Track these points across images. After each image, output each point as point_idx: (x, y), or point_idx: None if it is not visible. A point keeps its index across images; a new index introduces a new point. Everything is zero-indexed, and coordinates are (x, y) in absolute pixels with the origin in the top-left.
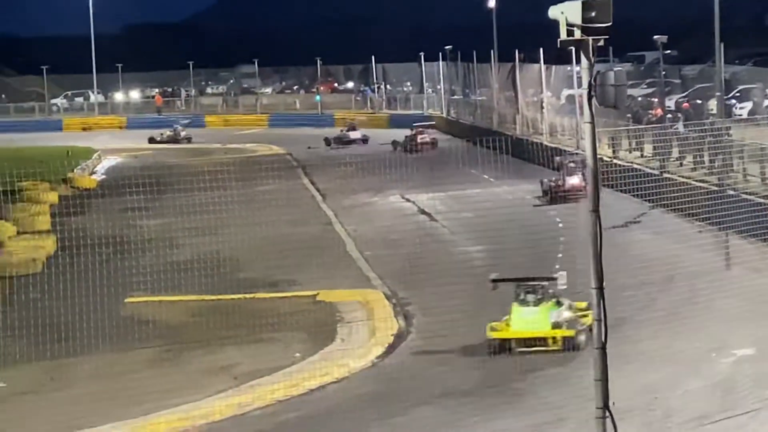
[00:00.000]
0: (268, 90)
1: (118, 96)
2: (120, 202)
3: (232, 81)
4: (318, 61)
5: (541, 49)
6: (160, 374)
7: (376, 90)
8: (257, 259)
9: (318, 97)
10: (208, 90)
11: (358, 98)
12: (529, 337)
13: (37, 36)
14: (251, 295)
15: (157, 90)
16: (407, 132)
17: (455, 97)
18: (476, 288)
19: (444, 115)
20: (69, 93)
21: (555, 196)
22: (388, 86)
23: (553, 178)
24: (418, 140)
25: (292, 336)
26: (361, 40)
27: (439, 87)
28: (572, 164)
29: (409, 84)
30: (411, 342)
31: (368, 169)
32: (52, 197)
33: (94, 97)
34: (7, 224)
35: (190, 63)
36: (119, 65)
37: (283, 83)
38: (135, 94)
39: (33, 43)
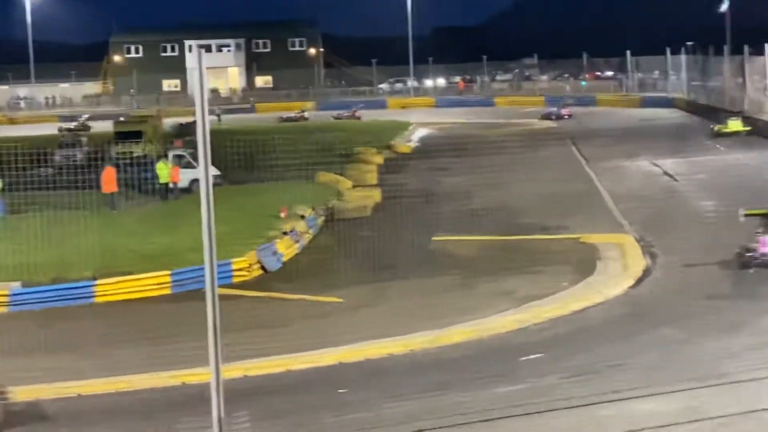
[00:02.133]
0: (545, 77)
1: (429, 82)
2: (429, 164)
3: (516, 70)
4: (584, 54)
5: (766, 45)
6: (457, 296)
7: (629, 76)
8: (533, 208)
9: (583, 83)
10: (498, 77)
11: (615, 83)
12: None
13: (369, 36)
14: (528, 236)
15: (459, 77)
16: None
17: (694, 83)
18: (711, 233)
19: (685, 97)
20: (391, 80)
21: None
22: (639, 74)
23: None
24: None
25: (560, 269)
26: (618, 37)
27: (681, 74)
28: None
29: (656, 72)
30: (656, 275)
31: (621, 138)
32: (379, 159)
33: (411, 82)
34: (345, 179)
35: (484, 56)
36: (430, 58)
37: (557, 72)
38: (441, 81)
39: (365, 42)
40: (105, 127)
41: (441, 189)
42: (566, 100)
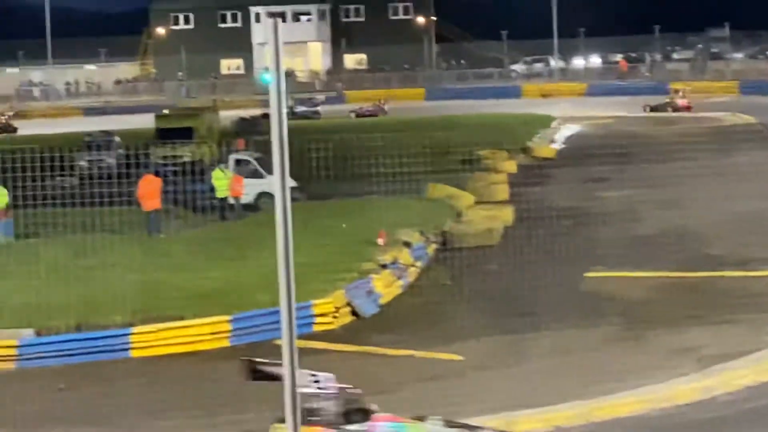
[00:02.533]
0: (740, 55)
1: (578, 62)
2: (580, 173)
3: (700, 46)
4: None
5: None
6: (619, 353)
7: None
8: (726, 234)
9: None
10: (674, 55)
11: None
12: None
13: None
14: (719, 273)
15: (620, 55)
16: None
17: None
18: None
19: None
20: (528, 59)
21: None
22: None
23: None
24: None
25: (764, 318)
26: None
27: None
28: None
29: None
30: None
31: None
32: (510, 166)
33: (554, 62)
34: (466, 193)
35: (656, 27)
36: (581, 30)
37: (758, 48)
38: (595, 60)
39: (493, 8)
40: (143, 122)
41: (597, 207)
42: None
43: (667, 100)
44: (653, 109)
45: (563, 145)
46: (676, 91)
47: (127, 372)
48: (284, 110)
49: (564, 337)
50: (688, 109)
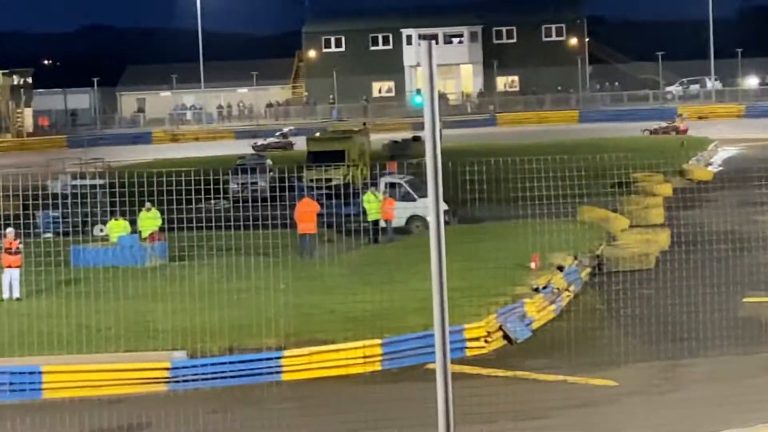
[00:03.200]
0: None
1: (737, 82)
2: (737, 196)
3: None
4: None
5: None
6: None
7: None
8: None
9: None
10: None
11: None
12: None
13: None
14: None
15: None
16: None
17: None
18: None
19: None
20: (684, 80)
21: None
22: None
23: None
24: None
25: None
26: None
27: None
28: None
29: None
30: None
31: None
32: (666, 189)
33: (711, 83)
34: (620, 217)
35: None
36: (738, 50)
37: None
38: (753, 81)
39: (647, 29)
40: (296, 145)
41: (755, 231)
42: None
43: (667, 123)
44: (653, 132)
45: (720, 168)
46: (680, 115)
47: (278, 395)
48: (438, 133)
49: (721, 364)
50: (684, 131)
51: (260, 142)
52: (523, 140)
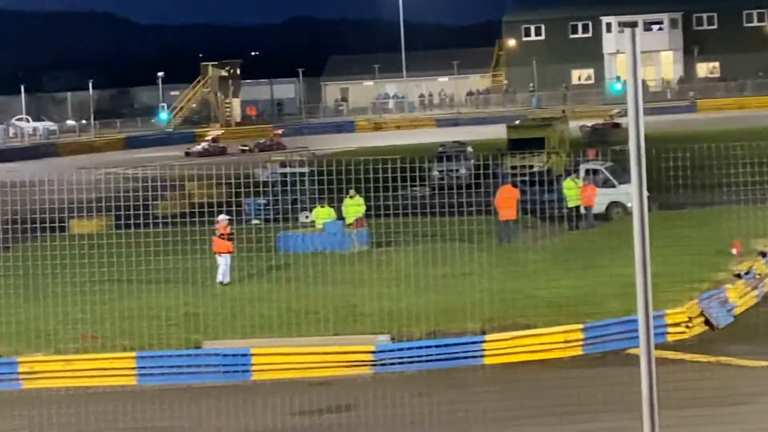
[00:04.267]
0: None
1: None
2: None
3: None
4: None
5: None
6: None
7: None
8: None
9: None
10: None
11: None
12: None
13: None
14: None
15: None
16: None
17: None
18: None
19: None
20: None
21: None
22: None
23: None
24: None
25: None
26: None
27: None
28: None
29: None
30: None
31: None
32: None
33: None
34: None
35: None
36: None
37: None
38: None
39: None
40: (495, 133)
41: None
42: None
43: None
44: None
45: None
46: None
47: (480, 379)
48: (642, 119)
49: None
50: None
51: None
52: (724, 126)
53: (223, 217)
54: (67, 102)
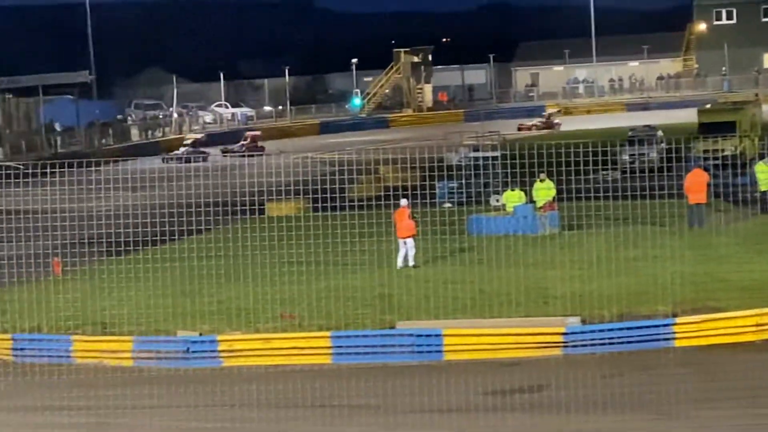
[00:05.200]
0: None
1: None
2: None
3: None
4: None
5: None
6: None
7: None
8: None
9: None
10: None
11: None
12: None
13: None
14: None
15: None
16: None
17: None
18: None
19: None
20: None
21: None
22: None
23: None
24: None
25: None
26: None
27: None
28: None
29: None
30: None
31: None
32: None
33: None
34: None
35: None
36: None
37: None
38: None
39: None
40: (685, 117)
41: None
42: None
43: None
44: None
45: None
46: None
47: (670, 361)
48: None
49: None
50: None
51: None
52: None
53: (404, 200)
54: (264, 88)
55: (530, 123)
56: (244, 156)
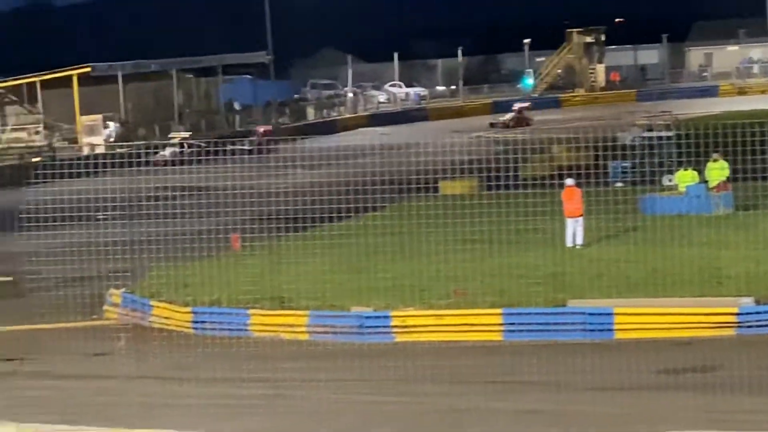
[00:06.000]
0: None
1: None
2: None
3: None
4: None
5: None
6: None
7: None
8: None
9: None
10: None
11: None
12: None
13: None
14: None
15: None
16: None
17: None
18: None
19: None
20: None
21: None
22: None
23: None
24: None
25: None
26: None
27: None
28: None
29: None
30: None
31: None
32: None
33: None
34: None
35: None
36: None
37: None
38: None
39: None
40: None
41: None
42: None
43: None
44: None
45: None
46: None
47: None
48: None
49: None
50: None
51: None
52: None
53: (569, 180)
54: (437, 68)
55: (504, 119)
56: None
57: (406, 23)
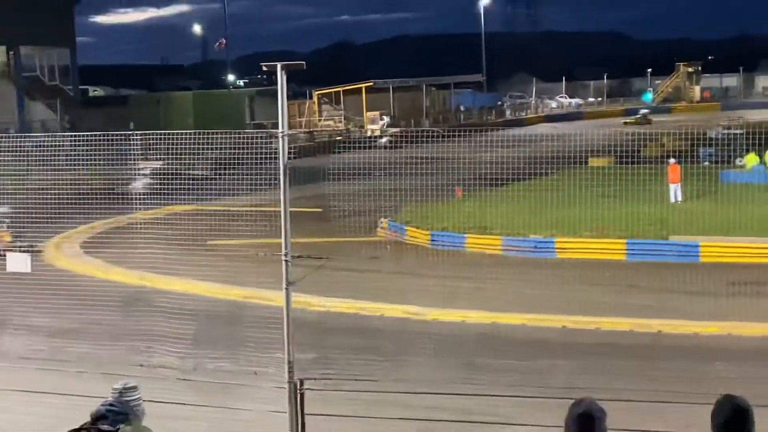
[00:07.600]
0: None
1: None
2: None
3: None
4: None
5: None
6: None
7: None
8: None
9: None
10: None
11: None
12: None
13: None
14: None
15: None
16: None
17: None
18: None
19: None
20: None
21: None
22: None
23: None
24: None
25: None
26: None
27: None
28: None
29: None
30: None
31: None
32: None
33: None
34: None
35: None
36: None
37: None
38: None
39: None
40: None
41: None
42: None
43: None
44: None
45: None
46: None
47: None
48: None
49: None
50: None
51: None
52: None
53: (672, 160)
54: (590, 87)
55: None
56: None
57: (572, 57)
